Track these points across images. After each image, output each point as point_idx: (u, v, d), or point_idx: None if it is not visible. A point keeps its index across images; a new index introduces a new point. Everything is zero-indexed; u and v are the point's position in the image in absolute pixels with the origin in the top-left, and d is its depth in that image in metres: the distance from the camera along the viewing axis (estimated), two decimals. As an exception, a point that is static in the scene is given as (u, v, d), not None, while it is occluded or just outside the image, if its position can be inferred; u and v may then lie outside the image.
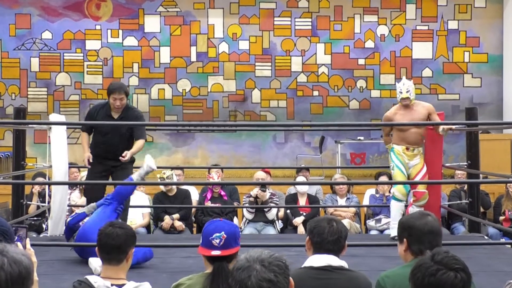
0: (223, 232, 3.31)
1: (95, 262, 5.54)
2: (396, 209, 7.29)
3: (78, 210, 6.56)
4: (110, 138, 7.00)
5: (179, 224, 8.86)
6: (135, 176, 6.60)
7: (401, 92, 7.22)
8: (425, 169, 7.35)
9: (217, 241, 3.30)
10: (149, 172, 6.61)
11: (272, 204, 8.86)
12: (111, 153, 6.94)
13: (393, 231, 7.04)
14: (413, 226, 3.37)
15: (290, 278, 2.25)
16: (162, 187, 9.00)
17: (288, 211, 9.11)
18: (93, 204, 6.41)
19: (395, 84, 13.67)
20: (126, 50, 14.02)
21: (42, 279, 5.45)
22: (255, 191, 8.83)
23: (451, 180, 9.85)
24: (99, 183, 7.05)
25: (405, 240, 3.38)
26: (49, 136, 7.79)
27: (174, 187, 8.97)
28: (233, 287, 2.23)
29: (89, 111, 7.21)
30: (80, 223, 6.31)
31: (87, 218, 6.34)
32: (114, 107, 6.94)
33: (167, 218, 8.87)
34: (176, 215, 8.90)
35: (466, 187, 8.82)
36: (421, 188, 7.31)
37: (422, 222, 3.36)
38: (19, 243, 2.86)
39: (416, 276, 2.47)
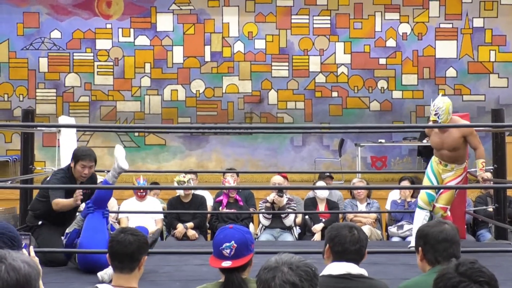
0: (233, 242, 3.25)
1: (102, 272, 5.49)
2: (418, 217, 7.09)
3: (68, 229, 6.26)
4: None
5: (192, 233, 8.73)
6: (109, 178, 6.30)
7: (431, 113, 6.98)
8: (451, 183, 7.03)
9: (227, 251, 3.24)
10: (120, 172, 6.24)
11: (289, 210, 8.73)
12: (67, 218, 6.47)
13: (413, 240, 6.90)
14: (427, 234, 3.32)
15: None
16: (179, 192, 8.70)
17: (307, 216, 8.99)
18: (79, 217, 6.23)
19: (417, 85, 13.91)
20: (137, 49, 13.97)
21: (51, 287, 5.14)
22: (272, 196, 8.65)
23: (475, 185, 9.53)
24: (92, 187, 6.59)
25: (420, 249, 3.33)
26: (58, 139, 7.76)
27: (191, 192, 8.83)
28: (258, 287, 2.28)
29: (60, 182, 6.36)
30: (76, 240, 6.15)
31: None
32: (81, 175, 6.38)
33: (180, 226, 8.74)
34: (190, 224, 8.74)
35: (491, 192, 8.70)
36: (438, 202, 7.03)
37: (437, 230, 3.31)
38: (24, 250, 2.89)
39: (438, 286, 2.40)
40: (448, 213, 7.00)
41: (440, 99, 6.89)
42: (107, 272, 5.28)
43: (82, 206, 6.51)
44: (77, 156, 6.37)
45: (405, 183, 9.24)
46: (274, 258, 2.34)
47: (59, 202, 6.20)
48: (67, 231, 6.19)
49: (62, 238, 6.44)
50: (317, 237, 8.70)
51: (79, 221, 6.14)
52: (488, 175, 7.22)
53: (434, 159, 7.11)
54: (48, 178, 6.83)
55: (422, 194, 7.08)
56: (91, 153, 6.46)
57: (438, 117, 6.78)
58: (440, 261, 3.23)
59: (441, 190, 6.97)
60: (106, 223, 6.14)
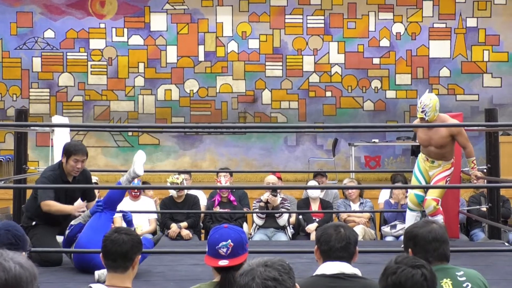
0: (229, 241, 3.24)
1: (99, 271, 5.44)
2: (410, 219, 7.01)
3: (73, 221, 6.22)
4: (65, 203, 6.42)
5: (186, 233, 8.68)
6: (123, 181, 6.31)
7: (417, 110, 6.92)
8: (440, 176, 6.96)
9: (224, 250, 3.23)
10: (135, 177, 6.32)
11: (283, 210, 8.68)
12: (61, 219, 6.45)
13: None
14: (417, 235, 3.34)
15: (297, 284, 2.29)
16: (172, 192, 8.64)
17: (300, 216, 8.96)
18: (87, 213, 6.18)
19: (411, 84, 13.92)
20: (131, 49, 13.96)
21: (45, 287, 5.13)
22: (266, 195, 8.60)
23: (468, 185, 9.59)
24: (92, 187, 6.73)
25: (410, 250, 3.33)
26: (51, 139, 7.70)
27: (184, 193, 8.73)
28: None
29: (48, 180, 6.32)
30: (77, 235, 6.12)
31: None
32: (74, 169, 6.37)
33: (174, 226, 8.70)
34: (184, 224, 8.71)
35: (485, 191, 8.65)
36: (429, 195, 6.93)
37: (426, 230, 3.32)
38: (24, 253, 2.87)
39: (382, 279, 2.66)
40: (439, 206, 6.94)
41: (426, 96, 6.82)
42: (105, 272, 5.26)
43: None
44: (69, 151, 6.35)
45: (399, 184, 9.23)
46: (246, 264, 2.34)
47: (54, 205, 6.16)
48: (72, 223, 6.15)
49: (58, 237, 6.44)
50: (313, 237, 8.65)
51: (86, 217, 6.09)
52: (479, 173, 7.17)
53: (420, 156, 7.06)
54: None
55: (411, 195, 7.03)
56: (83, 147, 6.47)
57: (425, 115, 6.74)
58: (431, 261, 3.21)
59: (432, 184, 6.91)
60: (131, 226, 6.12)
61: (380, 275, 2.68)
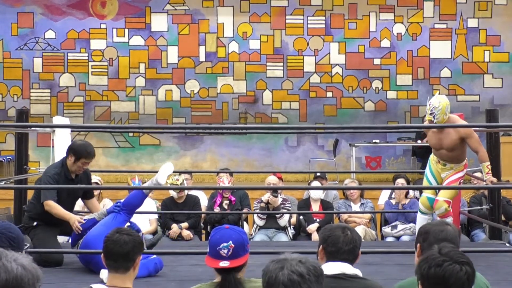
0: (230, 242, 3.23)
1: (105, 273, 5.30)
2: (421, 222, 6.81)
3: (87, 216, 6.25)
4: (69, 201, 6.51)
5: (187, 234, 8.71)
6: (145, 186, 6.53)
7: (426, 112, 6.69)
8: (452, 178, 6.83)
9: (225, 251, 3.23)
10: (157, 185, 6.41)
11: (284, 210, 8.70)
12: (62, 220, 6.39)
13: None
14: (428, 232, 3.35)
15: None
16: (172, 193, 8.65)
17: (301, 217, 8.97)
18: (103, 211, 6.23)
19: (412, 85, 13.92)
20: (132, 49, 13.96)
21: (45, 287, 5.12)
22: (267, 196, 8.63)
23: (471, 186, 9.58)
24: (96, 187, 6.83)
25: (418, 245, 3.34)
26: (52, 139, 7.70)
27: (185, 193, 8.75)
28: (263, 277, 2.31)
29: (52, 179, 6.34)
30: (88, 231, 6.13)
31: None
32: (80, 170, 6.44)
33: (174, 227, 8.71)
34: (185, 224, 8.73)
35: (486, 192, 8.63)
36: (441, 196, 6.82)
37: (439, 229, 3.34)
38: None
39: (423, 267, 2.58)
40: (450, 208, 6.81)
41: (436, 98, 6.56)
42: None
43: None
44: (81, 153, 6.35)
45: (401, 181, 9.24)
46: (284, 254, 2.37)
47: (55, 207, 6.17)
48: (86, 217, 6.19)
49: (59, 237, 6.45)
50: (315, 237, 8.61)
51: (101, 215, 6.12)
52: (495, 179, 6.95)
53: (432, 158, 6.91)
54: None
55: (423, 198, 6.91)
56: (93, 151, 6.52)
57: (433, 117, 6.50)
58: None
59: (444, 185, 6.79)
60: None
61: (420, 262, 2.62)
